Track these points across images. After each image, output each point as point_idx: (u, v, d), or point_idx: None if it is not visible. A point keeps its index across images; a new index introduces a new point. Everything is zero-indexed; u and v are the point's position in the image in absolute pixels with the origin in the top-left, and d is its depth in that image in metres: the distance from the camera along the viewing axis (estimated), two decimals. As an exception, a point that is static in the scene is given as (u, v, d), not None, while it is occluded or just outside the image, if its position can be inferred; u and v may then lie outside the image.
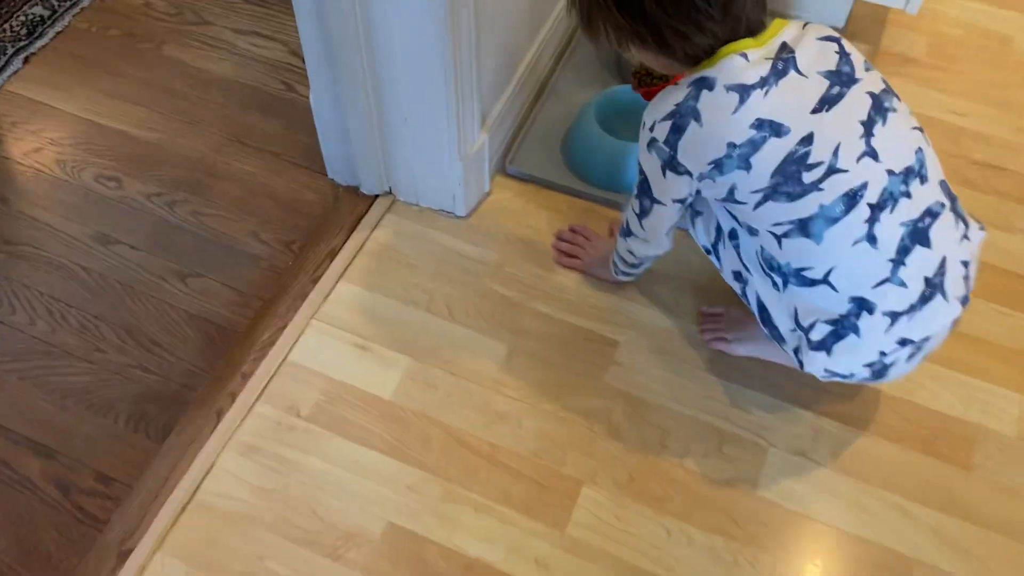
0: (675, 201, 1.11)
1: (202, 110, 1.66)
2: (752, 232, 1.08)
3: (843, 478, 1.23)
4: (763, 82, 0.98)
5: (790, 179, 0.99)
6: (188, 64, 1.74)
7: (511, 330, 1.37)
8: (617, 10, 0.98)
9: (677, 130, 1.01)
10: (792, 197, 1.00)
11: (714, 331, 1.35)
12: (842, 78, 1.00)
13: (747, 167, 1.00)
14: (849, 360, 1.09)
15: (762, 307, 1.15)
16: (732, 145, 0.99)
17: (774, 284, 1.11)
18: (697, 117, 0.99)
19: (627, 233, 1.24)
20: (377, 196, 1.52)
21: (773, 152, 0.98)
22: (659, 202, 1.12)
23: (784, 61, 0.98)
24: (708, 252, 1.22)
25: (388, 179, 1.49)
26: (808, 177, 0.99)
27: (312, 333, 1.36)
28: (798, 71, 0.98)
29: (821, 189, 0.99)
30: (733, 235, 1.14)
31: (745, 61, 0.98)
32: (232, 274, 1.44)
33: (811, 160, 0.98)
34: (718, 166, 1.01)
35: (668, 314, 1.39)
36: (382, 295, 1.40)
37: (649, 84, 1.37)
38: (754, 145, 0.98)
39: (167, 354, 1.36)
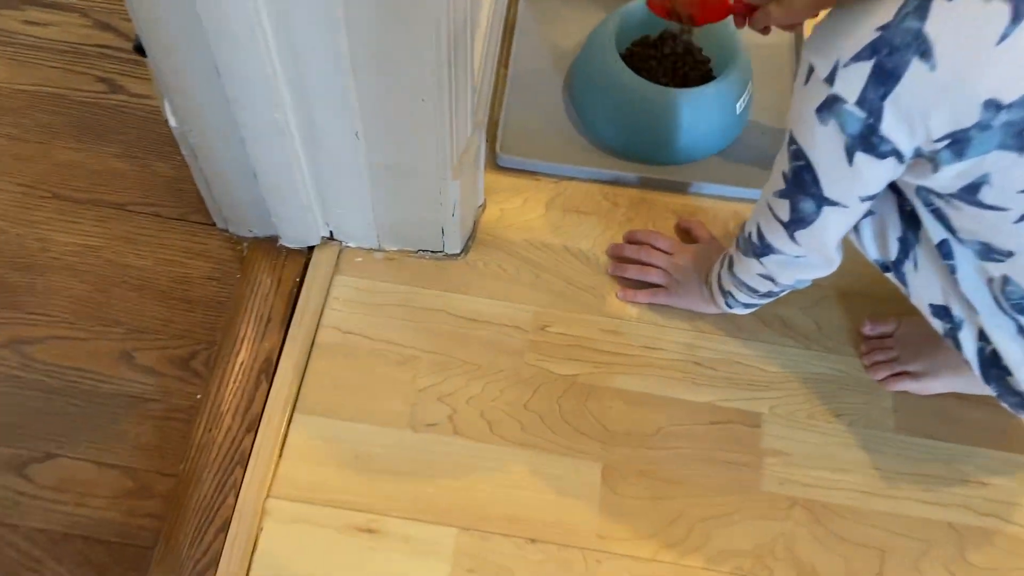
0: (864, 199, 0.68)
1: (-24, 151, 1.01)
2: (991, 256, 0.68)
3: None
4: None
5: None
6: (-70, 75, 1.06)
7: (596, 437, 0.85)
8: None
9: (885, 78, 0.57)
10: None
11: (888, 364, 0.91)
12: None
13: (1020, 147, 0.57)
14: None
15: (994, 361, 0.74)
16: (994, 105, 0.56)
17: (1021, 330, 0.71)
18: (925, 52, 0.56)
19: (762, 251, 0.76)
20: (311, 248, 0.94)
21: None
22: (834, 203, 0.68)
23: None
24: (885, 269, 0.77)
25: (327, 218, 0.91)
26: None
27: (275, 525, 0.80)
28: None
29: None
30: (945, 252, 0.71)
31: None
32: (106, 440, 0.85)
33: None
34: (959, 143, 0.58)
35: (814, 348, 0.91)
36: (376, 424, 0.85)
37: None
38: None
39: (31, 620, 0.78)
